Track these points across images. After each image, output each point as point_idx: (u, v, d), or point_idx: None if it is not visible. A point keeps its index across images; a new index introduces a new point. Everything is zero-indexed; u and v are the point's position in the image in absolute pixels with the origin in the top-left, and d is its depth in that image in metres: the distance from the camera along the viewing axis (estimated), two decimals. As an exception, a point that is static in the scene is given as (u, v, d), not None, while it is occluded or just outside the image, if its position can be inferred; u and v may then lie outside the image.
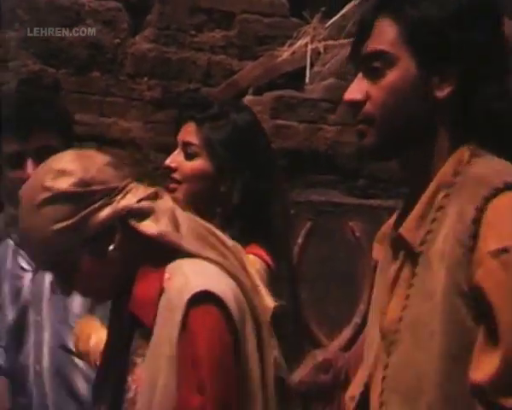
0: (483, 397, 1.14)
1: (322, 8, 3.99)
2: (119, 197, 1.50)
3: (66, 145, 1.99)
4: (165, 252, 1.47)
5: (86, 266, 1.49)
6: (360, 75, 1.29)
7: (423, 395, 1.18)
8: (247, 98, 3.90)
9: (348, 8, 3.88)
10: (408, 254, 1.27)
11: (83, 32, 3.99)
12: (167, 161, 2.00)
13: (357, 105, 1.29)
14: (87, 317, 1.96)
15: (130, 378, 1.47)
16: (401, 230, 1.27)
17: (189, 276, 1.44)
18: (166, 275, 1.46)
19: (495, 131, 1.25)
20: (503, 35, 1.28)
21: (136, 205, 1.51)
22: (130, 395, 1.46)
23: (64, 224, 1.47)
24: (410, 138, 1.27)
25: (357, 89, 1.29)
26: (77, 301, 1.99)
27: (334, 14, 3.93)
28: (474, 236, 1.16)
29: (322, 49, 3.88)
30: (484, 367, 1.13)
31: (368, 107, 1.28)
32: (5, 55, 3.92)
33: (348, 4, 3.90)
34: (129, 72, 4.08)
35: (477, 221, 1.17)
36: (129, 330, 1.50)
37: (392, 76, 1.26)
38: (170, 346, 1.40)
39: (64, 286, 1.54)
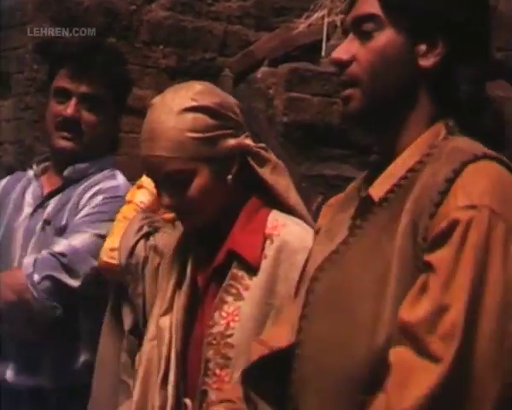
0: (409, 334, 1.14)
1: (341, -20, 3.96)
2: (244, 135, 1.64)
3: (115, 103, 2.20)
4: (267, 201, 1.61)
5: (202, 183, 1.60)
6: (351, 36, 1.30)
7: (364, 326, 1.19)
8: (262, 70, 3.89)
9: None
10: (370, 206, 1.28)
11: None
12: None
13: (343, 65, 1.30)
14: None
15: (217, 314, 1.58)
16: (370, 190, 1.28)
17: (304, 226, 1.63)
18: (278, 221, 1.61)
19: (472, 116, 1.27)
20: (490, 23, 1.31)
21: (257, 149, 1.66)
22: (220, 329, 1.57)
23: (199, 135, 1.59)
24: (393, 105, 1.28)
25: (344, 49, 1.30)
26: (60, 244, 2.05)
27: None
28: (444, 192, 1.17)
29: (338, 23, 3.86)
30: (416, 311, 1.14)
31: (353, 67, 1.29)
32: (22, 18, 3.90)
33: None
34: (144, 39, 4.06)
35: (451, 181, 1.18)
36: (215, 271, 1.62)
37: (380, 39, 1.27)
38: (286, 285, 1.56)
39: (174, 198, 1.62)
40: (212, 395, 1.55)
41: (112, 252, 1.88)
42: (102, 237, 1.99)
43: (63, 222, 2.11)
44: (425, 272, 1.17)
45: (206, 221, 1.65)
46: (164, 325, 1.64)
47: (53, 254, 2.03)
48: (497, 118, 1.29)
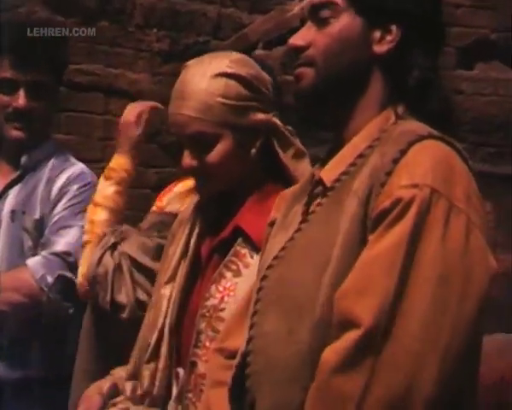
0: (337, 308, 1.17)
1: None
2: (273, 113, 1.64)
3: (56, 85, 2.20)
4: (282, 187, 1.58)
5: (224, 150, 1.61)
6: (308, 23, 1.33)
7: (307, 312, 1.21)
8: (257, 52, 3.88)
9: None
10: (320, 192, 1.31)
11: None
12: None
13: (300, 50, 1.33)
14: None
15: (214, 287, 1.59)
16: (321, 173, 1.31)
17: None
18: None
19: (422, 101, 1.30)
20: (441, 11, 1.36)
21: (283, 130, 1.65)
22: (214, 302, 1.58)
23: (228, 101, 1.60)
24: (345, 87, 1.32)
25: (302, 36, 1.33)
26: (28, 235, 2.07)
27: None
28: (390, 172, 1.20)
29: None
30: (345, 283, 1.17)
31: (310, 51, 1.32)
32: (14, 1, 3.86)
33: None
34: (137, 23, 4.03)
35: (396, 161, 1.21)
36: (218, 244, 1.63)
37: (337, 25, 1.31)
38: None
39: (195, 160, 1.62)
40: (201, 367, 1.57)
41: (83, 277, 1.90)
42: None
43: (37, 214, 2.10)
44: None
45: (221, 190, 1.66)
46: (165, 293, 1.66)
47: (58, 255, 2.04)
48: (445, 103, 1.32)
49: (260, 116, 1.63)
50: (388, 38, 1.30)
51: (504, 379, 2.08)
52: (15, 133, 2.14)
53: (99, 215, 1.96)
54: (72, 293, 1.99)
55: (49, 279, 2.02)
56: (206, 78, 1.60)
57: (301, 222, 1.33)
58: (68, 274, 2.03)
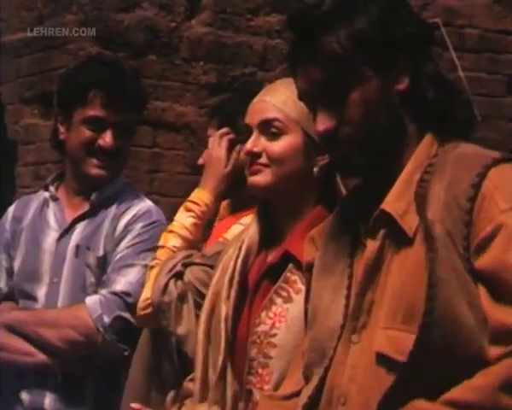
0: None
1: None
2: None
3: (138, 118, 2.24)
4: (330, 211, 1.55)
5: (291, 143, 1.65)
6: (322, 103, 1.30)
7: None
8: None
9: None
10: (390, 228, 1.28)
11: (139, 15, 4.01)
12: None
13: (331, 133, 1.31)
14: None
15: (264, 313, 1.60)
16: (383, 205, 1.29)
17: None
18: None
19: (447, 112, 1.32)
20: (418, 17, 1.38)
21: None
22: (265, 328, 1.59)
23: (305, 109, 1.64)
24: (386, 141, 1.32)
25: (325, 119, 1.30)
26: (90, 271, 2.07)
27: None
28: (473, 198, 1.21)
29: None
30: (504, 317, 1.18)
31: (344, 130, 1.30)
32: (64, 38, 3.99)
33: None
34: (184, 56, 4.09)
35: (477, 185, 1.21)
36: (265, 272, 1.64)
37: (354, 94, 1.29)
38: None
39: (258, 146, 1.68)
40: (257, 395, 1.57)
41: (146, 302, 1.90)
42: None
43: (101, 251, 2.10)
44: (479, 280, 1.20)
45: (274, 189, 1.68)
46: (220, 314, 1.67)
47: (117, 294, 2.03)
48: (467, 106, 1.34)
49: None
50: (402, 70, 1.30)
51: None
52: (96, 171, 2.14)
53: (171, 242, 1.95)
54: (129, 335, 1.99)
55: (106, 320, 2.01)
56: (291, 88, 1.61)
57: (352, 261, 1.32)
58: (126, 315, 2.01)
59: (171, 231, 1.97)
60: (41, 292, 2.11)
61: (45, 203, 2.19)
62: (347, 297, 1.32)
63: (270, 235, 1.69)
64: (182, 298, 1.84)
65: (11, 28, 4.40)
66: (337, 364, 1.30)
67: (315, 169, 1.64)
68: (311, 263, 1.41)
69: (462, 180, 1.23)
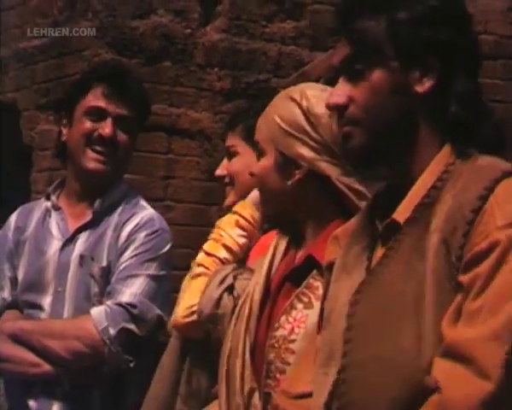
0: (458, 352, 1.19)
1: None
2: (327, 157, 1.68)
3: (137, 124, 2.22)
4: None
5: (266, 164, 1.72)
6: (342, 79, 1.32)
7: (398, 337, 1.23)
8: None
9: None
10: (393, 234, 1.30)
11: (154, 22, 4.05)
12: None
13: (340, 108, 1.32)
14: None
15: (284, 318, 1.61)
16: (394, 215, 1.30)
17: None
18: None
19: (469, 127, 1.30)
20: (475, 36, 1.35)
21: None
22: (283, 333, 1.60)
23: (284, 125, 1.69)
24: (395, 136, 1.31)
25: (339, 92, 1.32)
26: (95, 281, 2.08)
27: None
28: (477, 210, 1.20)
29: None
30: (462, 331, 1.19)
31: (351, 109, 1.31)
32: (79, 44, 4.03)
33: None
34: (199, 62, 4.12)
35: (483, 198, 1.21)
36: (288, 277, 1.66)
37: (373, 76, 1.30)
38: None
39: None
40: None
41: (190, 309, 1.91)
42: (152, 277, 2.06)
43: (105, 262, 2.10)
44: (459, 291, 1.20)
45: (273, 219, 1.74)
46: (243, 315, 1.70)
47: (122, 305, 2.04)
48: (497, 128, 1.32)
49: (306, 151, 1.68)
50: (428, 74, 1.29)
51: None
52: (95, 165, 2.14)
53: (222, 253, 1.98)
54: (134, 346, 2.01)
55: (112, 332, 2.01)
56: (281, 103, 1.70)
57: (369, 264, 1.32)
58: (131, 326, 2.02)
59: (218, 241, 1.99)
60: (46, 301, 2.12)
61: (47, 213, 2.19)
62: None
63: (299, 235, 1.71)
64: (233, 312, 1.84)
65: (26, 35, 4.43)
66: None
67: (289, 182, 1.67)
68: (332, 262, 1.41)
69: (470, 190, 1.22)
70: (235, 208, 2.05)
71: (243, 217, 2.02)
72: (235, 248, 1.99)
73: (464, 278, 1.19)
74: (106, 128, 2.12)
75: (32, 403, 2.08)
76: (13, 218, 2.25)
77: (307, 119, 1.67)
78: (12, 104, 4.53)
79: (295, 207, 1.71)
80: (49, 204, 2.19)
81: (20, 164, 4.41)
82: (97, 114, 2.13)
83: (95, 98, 2.15)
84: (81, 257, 2.10)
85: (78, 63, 3.90)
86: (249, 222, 2.01)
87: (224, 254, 1.99)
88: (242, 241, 2.01)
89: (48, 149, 4.24)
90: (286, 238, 1.73)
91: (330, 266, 1.42)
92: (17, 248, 2.19)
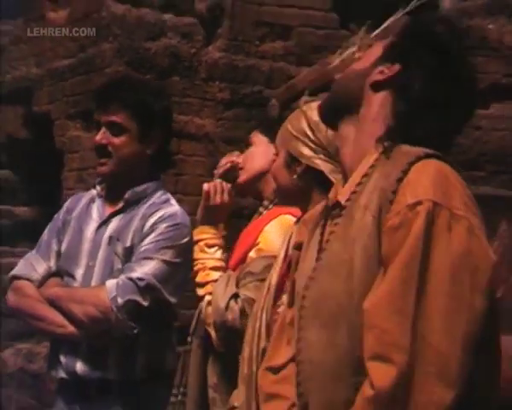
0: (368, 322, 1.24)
1: (368, 22, 4.03)
2: (322, 156, 1.83)
3: (141, 129, 2.23)
4: None
5: (281, 175, 1.89)
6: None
7: (343, 319, 1.27)
8: (304, 99, 3.89)
9: (390, 22, 3.97)
10: (337, 214, 1.36)
11: (165, 43, 4.27)
12: None
13: None
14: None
15: (284, 297, 1.67)
16: (338, 197, 1.38)
17: None
18: None
19: (408, 128, 1.35)
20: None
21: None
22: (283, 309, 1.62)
23: (292, 131, 1.88)
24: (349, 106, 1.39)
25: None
26: (118, 259, 2.20)
27: (378, 27, 3.98)
28: (395, 191, 1.25)
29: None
30: (372, 298, 1.23)
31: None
32: (101, 63, 4.28)
33: (390, 18, 4.01)
34: (203, 77, 4.32)
35: (400, 180, 1.26)
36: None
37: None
38: None
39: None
40: None
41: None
42: (166, 262, 2.15)
43: (128, 243, 2.19)
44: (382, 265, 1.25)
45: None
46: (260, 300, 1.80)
47: (132, 279, 2.11)
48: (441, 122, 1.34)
49: (306, 151, 1.84)
50: (386, 70, 1.35)
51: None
52: (99, 169, 2.25)
53: (212, 276, 2.10)
54: (138, 314, 2.10)
55: (120, 301, 2.09)
56: (296, 117, 1.88)
57: (321, 242, 1.38)
58: (137, 298, 2.10)
59: (210, 268, 2.12)
60: (79, 272, 2.22)
61: (92, 199, 2.32)
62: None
63: None
64: (244, 313, 1.97)
65: (58, 56, 4.65)
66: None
67: (294, 177, 1.84)
68: (301, 243, 1.48)
69: (392, 175, 1.27)
70: (195, 238, 2.19)
71: (204, 239, 2.16)
72: (219, 263, 2.13)
73: (383, 253, 1.25)
74: (97, 136, 2.23)
75: (62, 359, 2.19)
76: (67, 202, 2.41)
77: (308, 125, 1.84)
78: (46, 114, 4.75)
79: (300, 196, 1.84)
80: (94, 192, 2.34)
81: (53, 165, 4.61)
82: (98, 125, 2.25)
83: (96, 113, 2.26)
84: (110, 238, 2.22)
85: (101, 79, 4.04)
86: (211, 237, 2.16)
87: (215, 275, 2.11)
88: (219, 253, 2.15)
89: (77, 151, 4.47)
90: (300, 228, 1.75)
91: (299, 246, 1.49)
92: (64, 226, 2.32)
